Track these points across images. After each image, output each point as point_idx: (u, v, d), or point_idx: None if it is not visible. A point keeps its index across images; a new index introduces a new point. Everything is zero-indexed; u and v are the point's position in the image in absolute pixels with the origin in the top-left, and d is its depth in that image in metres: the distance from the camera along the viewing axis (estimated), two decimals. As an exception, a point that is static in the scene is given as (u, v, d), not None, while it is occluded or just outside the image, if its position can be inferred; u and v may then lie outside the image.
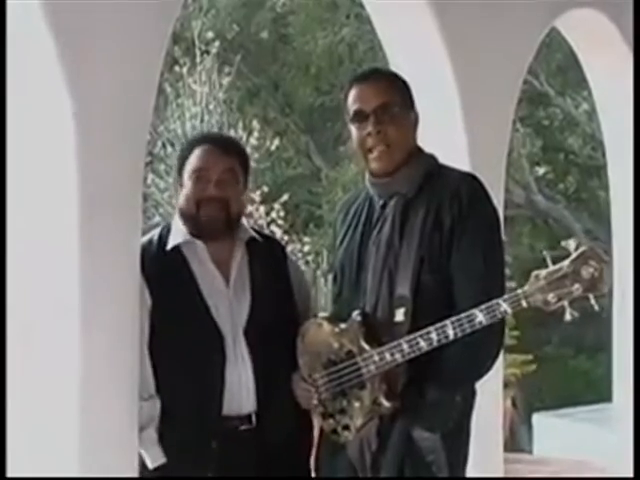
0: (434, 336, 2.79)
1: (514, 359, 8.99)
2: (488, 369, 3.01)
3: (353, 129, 3.07)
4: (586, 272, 2.61)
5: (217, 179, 3.20)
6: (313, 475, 3.28)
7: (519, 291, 2.68)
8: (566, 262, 2.64)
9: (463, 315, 2.74)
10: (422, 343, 2.81)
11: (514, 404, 9.59)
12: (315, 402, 3.08)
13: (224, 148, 3.30)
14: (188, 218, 3.23)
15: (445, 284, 2.86)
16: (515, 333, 8.99)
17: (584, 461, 8.65)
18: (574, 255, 2.64)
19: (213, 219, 3.20)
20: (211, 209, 3.19)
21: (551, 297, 2.65)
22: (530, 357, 9.99)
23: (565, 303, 2.65)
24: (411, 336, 2.84)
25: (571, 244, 2.65)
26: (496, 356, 3.00)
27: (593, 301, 2.63)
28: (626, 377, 6.48)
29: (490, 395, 4.35)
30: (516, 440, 11.61)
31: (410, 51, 4.69)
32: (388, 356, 2.89)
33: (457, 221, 2.88)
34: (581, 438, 11.40)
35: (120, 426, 3.16)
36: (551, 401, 13.69)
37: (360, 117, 3.04)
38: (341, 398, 3.05)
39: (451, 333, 2.76)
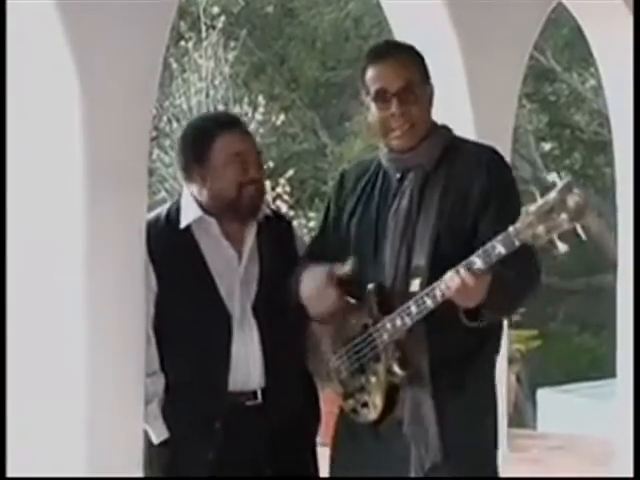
0: (438, 292, 2.78)
1: (519, 335, 8.99)
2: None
3: (374, 108, 3.03)
4: (572, 201, 2.58)
5: (255, 162, 3.22)
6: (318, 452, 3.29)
7: (510, 229, 2.64)
8: (552, 193, 2.62)
9: (461, 265, 2.72)
10: (428, 301, 2.81)
11: (518, 380, 9.59)
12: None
13: (246, 130, 3.35)
14: (224, 203, 3.19)
15: (463, 252, 2.81)
16: (520, 309, 8.98)
17: (584, 435, 8.70)
18: (560, 186, 2.61)
19: (255, 201, 3.21)
20: (254, 191, 3.20)
21: (540, 230, 2.61)
22: (535, 333, 9.99)
23: (554, 236, 2.61)
24: (417, 296, 2.84)
25: (556, 179, 2.63)
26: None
27: (580, 231, 2.59)
28: (629, 354, 6.51)
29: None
30: (520, 415, 11.63)
31: (416, 27, 4.68)
32: (399, 322, 2.90)
33: (484, 190, 2.85)
34: (585, 413, 11.44)
35: (127, 401, 3.18)
36: (555, 377, 13.72)
37: (383, 97, 3.01)
38: (359, 376, 3.05)
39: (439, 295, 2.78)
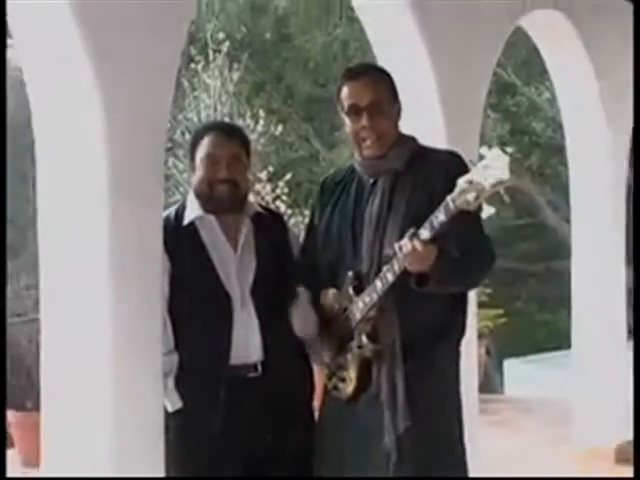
0: (395, 265, 2.80)
1: (487, 313, 8.97)
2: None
3: (347, 121, 3.07)
4: (496, 170, 2.57)
5: (226, 163, 3.20)
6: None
7: (448, 198, 2.65)
8: (479, 165, 2.61)
9: (406, 237, 2.73)
10: (389, 275, 2.84)
11: (487, 352, 9.58)
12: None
13: (229, 135, 3.30)
14: (202, 197, 3.23)
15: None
16: (488, 291, 8.97)
17: (545, 399, 8.71)
18: (486, 158, 2.59)
19: (225, 198, 3.20)
20: (223, 189, 3.19)
21: (471, 197, 2.60)
22: (501, 312, 9.97)
23: (482, 200, 2.60)
24: (380, 274, 2.87)
25: (484, 150, 2.61)
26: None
27: (503, 193, 2.57)
28: (582, 328, 6.52)
29: (466, 344, 4.36)
30: (489, 383, 11.63)
31: (395, 49, 4.68)
32: (367, 298, 2.92)
33: (444, 188, 2.80)
34: (545, 380, 11.44)
35: (148, 376, 3.17)
36: (519, 349, 13.72)
37: (354, 111, 3.03)
38: (340, 355, 3.05)
39: (397, 268, 2.80)
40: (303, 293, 3.14)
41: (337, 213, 3.13)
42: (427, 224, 2.72)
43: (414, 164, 3.03)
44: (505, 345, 13.10)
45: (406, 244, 2.73)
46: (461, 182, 2.63)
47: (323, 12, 16.60)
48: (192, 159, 3.28)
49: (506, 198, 2.57)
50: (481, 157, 2.60)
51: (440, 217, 2.69)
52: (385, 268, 2.86)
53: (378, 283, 2.89)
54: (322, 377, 3.20)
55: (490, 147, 2.60)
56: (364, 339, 2.96)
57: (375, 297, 2.91)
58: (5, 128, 3.04)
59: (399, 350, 2.91)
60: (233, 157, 3.23)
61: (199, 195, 3.24)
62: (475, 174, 2.60)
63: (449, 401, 3.07)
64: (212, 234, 3.22)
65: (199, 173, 3.23)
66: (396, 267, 2.81)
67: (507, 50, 5.52)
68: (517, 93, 17.60)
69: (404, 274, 2.81)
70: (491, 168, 2.57)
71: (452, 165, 2.89)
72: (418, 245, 2.71)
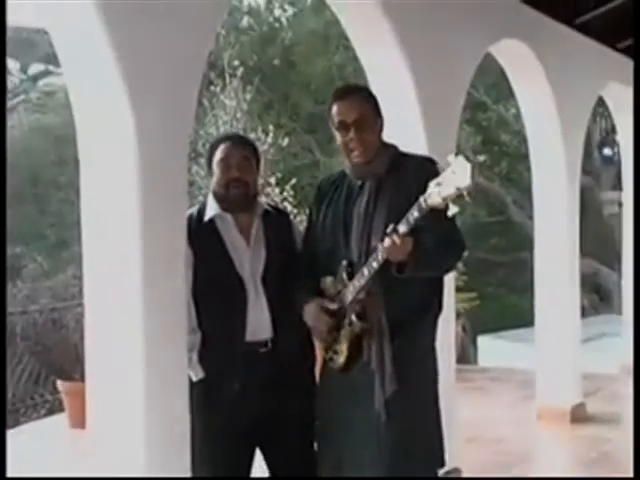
0: (379, 255, 2.80)
1: (463, 296, 8.98)
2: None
3: (337, 135, 3.06)
4: (458, 177, 2.55)
5: (237, 165, 3.20)
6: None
7: (421, 199, 2.64)
8: (446, 171, 2.59)
9: (390, 230, 2.73)
10: (374, 263, 2.84)
11: (464, 329, 9.59)
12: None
13: (239, 143, 3.32)
14: (219, 197, 3.22)
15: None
16: (463, 278, 8.97)
17: (512, 368, 8.71)
18: (451, 165, 2.57)
19: (238, 196, 3.20)
20: (236, 189, 3.19)
21: (439, 197, 2.59)
22: (475, 295, 9.97)
23: (449, 200, 2.59)
24: (367, 262, 2.88)
25: (451, 158, 2.60)
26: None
27: (467, 197, 2.56)
28: (543, 308, 6.52)
29: (445, 323, 4.37)
30: (465, 355, 11.63)
31: (383, 72, 4.66)
32: (357, 283, 2.93)
33: (420, 188, 2.75)
34: (512, 352, 11.45)
35: (175, 351, 3.17)
36: (491, 327, 13.72)
37: (343, 126, 3.03)
38: (335, 332, 3.06)
39: (380, 258, 2.80)
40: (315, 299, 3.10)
41: (331, 210, 3.13)
42: (404, 220, 2.72)
43: (395, 169, 3.02)
44: (479, 323, 13.11)
45: (386, 240, 2.74)
46: (432, 185, 2.62)
47: (322, 42, 16.61)
48: (209, 165, 3.28)
49: (468, 199, 2.57)
50: (449, 164, 2.60)
51: (415, 214, 2.69)
52: (371, 257, 2.87)
53: (365, 270, 2.89)
54: (322, 351, 3.20)
55: (457, 155, 2.59)
56: (354, 317, 2.97)
57: (363, 281, 2.91)
58: (5, 130, 2.99)
59: (386, 326, 2.92)
60: (243, 158, 3.23)
61: (216, 195, 3.23)
62: (443, 178, 2.60)
63: (428, 368, 3.08)
64: (228, 229, 3.21)
65: (216, 176, 3.23)
66: (379, 257, 2.82)
67: (479, 73, 5.51)
68: (488, 110, 17.61)
69: (387, 263, 2.81)
70: (456, 174, 2.56)
71: (426, 169, 2.86)
72: (397, 239, 2.72)
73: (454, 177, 2.55)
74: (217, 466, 3.16)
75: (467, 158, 2.56)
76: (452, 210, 2.59)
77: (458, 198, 2.57)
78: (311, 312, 3.07)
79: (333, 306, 3.03)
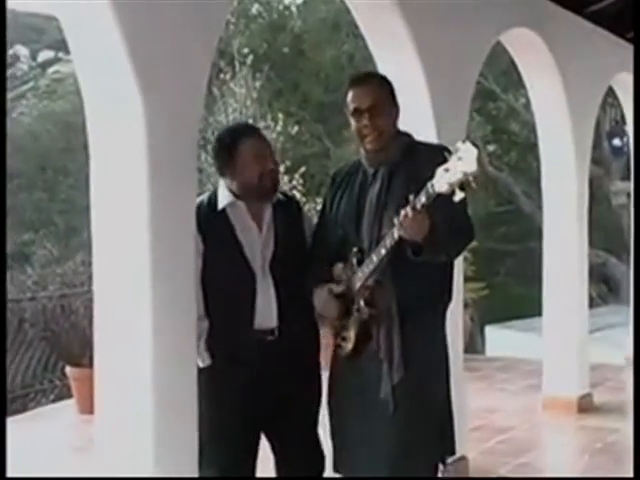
0: (388, 243, 2.82)
1: (471, 286, 8.97)
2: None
3: (352, 120, 3.06)
4: (464, 163, 2.55)
5: (271, 156, 3.24)
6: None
7: (428, 184, 2.65)
8: (452, 158, 2.59)
9: (396, 220, 2.74)
10: (382, 250, 2.86)
11: (472, 319, 9.58)
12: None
13: (264, 137, 3.34)
14: (251, 188, 3.19)
15: None
16: (472, 267, 8.97)
17: (520, 358, 8.71)
18: (457, 152, 2.57)
19: (273, 184, 3.22)
20: (270, 177, 3.20)
21: (446, 183, 2.60)
22: (483, 285, 9.96)
23: (455, 186, 2.59)
24: (375, 250, 2.89)
25: (459, 144, 2.60)
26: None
27: (473, 183, 2.56)
28: (551, 298, 6.51)
29: (453, 313, 4.37)
30: (473, 345, 11.64)
31: (393, 61, 4.65)
32: (365, 269, 2.94)
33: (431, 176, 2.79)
34: (519, 342, 11.46)
35: (183, 338, 3.19)
36: (498, 317, 13.72)
37: (358, 113, 3.03)
38: (344, 319, 3.06)
39: (396, 235, 2.80)
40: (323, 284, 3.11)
41: (345, 198, 3.13)
42: (410, 205, 2.72)
43: (408, 156, 3.02)
44: (486, 313, 13.11)
45: (401, 214, 2.74)
46: (439, 170, 2.63)
47: (332, 31, 16.57)
48: (229, 160, 3.20)
49: (474, 185, 2.57)
50: (456, 150, 2.59)
51: (422, 199, 2.70)
52: (380, 244, 2.88)
53: (374, 256, 2.90)
54: (328, 338, 3.20)
55: (464, 141, 2.58)
56: (362, 304, 2.97)
57: (372, 267, 2.92)
58: (5, 129, 2.99)
59: (395, 314, 2.92)
60: (271, 149, 3.29)
61: (247, 186, 3.18)
62: (450, 164, 2.60)
63: (439, 356, 3.08)
64: (241, 217, 3.21)
65: (248, 167, 3.17)
66: (387, 242, 2.83)
67: (488, 62, 5.50)
68: (497, 99, 17.55)
69: (403, 246, 2.80)
70: (463, 160, 2.56)
71: (440, 158, 2.85)
72: (410, 212, 2.71)
73: (461, 163, 2.56)
74: (224, 452, 3.17)
75: (474, 144, 2.56)
76: (458, 196, 2.60)
77: (465, 184, 2.57)
78: (321, 296, 3.08)
79: (340, 288, 3.03)
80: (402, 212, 2.73)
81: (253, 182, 3.18)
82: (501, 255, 17.36)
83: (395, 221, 2.78)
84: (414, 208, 2.71)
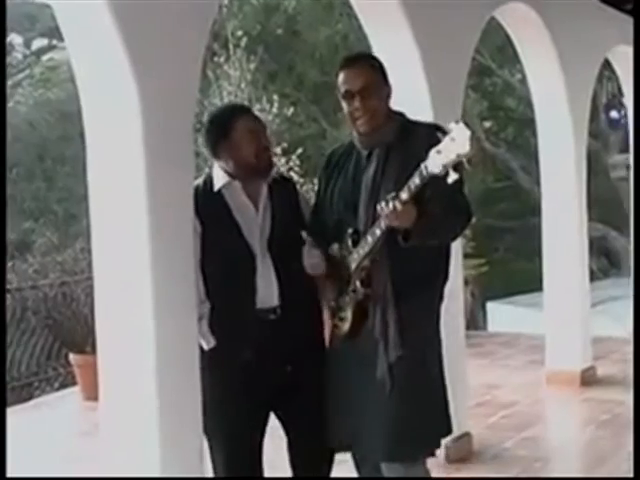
0: (382, 223, 2.81)
1: (471, 263, 8.96)
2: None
3: (344, 103, 3.04)
4: (458, 140, 2.55)
5: (264, 135, 3.24)
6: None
7: (422, 165, 2.64)
8: (446, 139, 2.58)
9: (391, 197, 2.73)
10: (377, 231, 2.85)
11: (472, 295, 9.57)
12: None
13: (253, 114, 3.34)
14: (248, 166, 3.17)
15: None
16: (472, 244, 8.95)
17: (522, 333, 8.72)
18: (450, 133, 2.56)
19: (269, 162, 3.23)
20: (266, 155, 3.21)
21: (439, 164, 2.59)
22: (483, 261, 9.95)
23: (449, 167, 2.57)
24: (370, 230, 2.88)
25: (452, 125, 2.58)
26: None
27: (467, 164, 2.56)
28: (552, 273, 6.52)
29: (454, 290, 4.37)
30: (475, 321, 11.66)
31: (387, 39, 4.63)
32: (361, 250, 2.94)
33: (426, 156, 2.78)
34: (521, 317, 11.48)
35: (184, 321, 3.19)
36: (499, 293, 13.74)
37: (349, 95, 3.01)
38: (341, 299, 3.06)
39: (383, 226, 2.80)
40: (308, 239, 3.15)
41: (340, 180, 3.12)
42: (406, 187, 2.71)
43: (402, 137, 3.00)
44: (487, 289, 13.11)
45: (387, 205, 2.74)
46: (432, 152, 2.61)
47: (326, 10, 16.48)
48: (224, 139, 3.18)
49: (468, 166, 2.56)
50: (449, 131, 2.58)
51: (416, 181, 2.68)
52: (375, 225, 2.87)
53: (369, 237, 2.90)
54: (330, 317, 3.21)
55: (457, 122, 2.57)
56: (358, 284, 2.97)
57: (367, 249, 2.92)
58: (5, 128, 2.99)
59: (391, 293, 2.92)
60: (264, 128, 3.28)
61: (242, 164, 3.17)
62: (443, 145, 2.59)
63: (432, 336, 3.07)
64: (237, 196, 3.20)
65: (243, 146, 3.16)
66: (382, 224, 2.82)
67: (484, 37, 5.47)
68: (493, 75, 17.48)
69: (393, 231, 2.81)
70: (456, 141, 2.55)
71: (433, 137, 2.81)
72: (398, 205, 2.71)
73: (454, 144, 2.55)
74: (230, 433, 3.17)
75: (467, 124, 2.54)
76: (452, 177, 2.58)
77: (458, 165, 2.56)
78: (312, 262, 3.11)
79: (335, 255, 3.04)
80: (389, 204, 2.72)
81: (250, 160, 3.17)
82: (500, 231, 17.36)
83: (379, 209, 2.77)
84: (399, 199, 2.70)
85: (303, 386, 3.18)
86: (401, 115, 3.11)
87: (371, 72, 3.03)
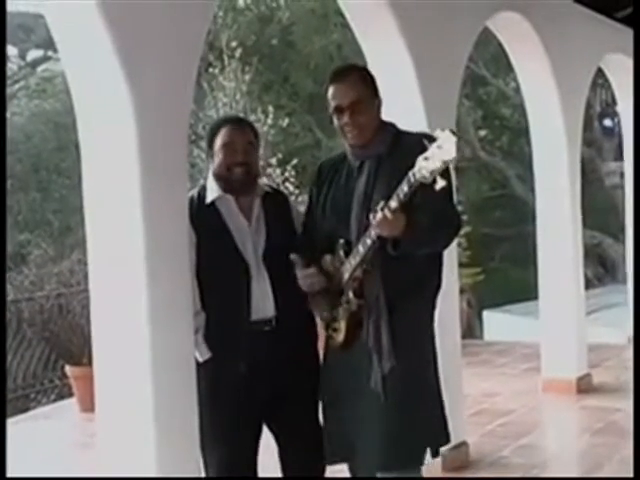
0: (372, 232, 2.81)
1: (467, 272, 8.97)
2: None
3: (334, 117, 3.04)
4: (445, 147, 2.56)
5: (242, 149, 3.19)
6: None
7: (409, 173, 2.64)
8: (432, 147, 2.59)
9: (381, 206, 2.73)
10: (368, 240, 2.85)
11: (469, 304, 9.57)
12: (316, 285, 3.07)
13: (242, 126, 3.30)
14: (222, 179, 3.20)
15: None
16: (468, 253, 8.97)
17: (518, 342, 8.72)
18: (437, 142, 2.57)
19: (240, 179, 3.19)
20: (239, 171, 3.18)
21: (426, 171, 2.59)
22: (479, 270, 9.96)
23: (436, 174, 2.58)
24: (361, 240, 2.88)
25: (438, 132, 2.59)
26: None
27: (452, 169, 2.57)
28: (547, 281, 6.53)
29: (450, 298, 4.38)
30: (471, 330, 11.66)
31: (382, 49, 4.65)
32: (353, 260, 2.94)
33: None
34: (517, 326, 11.47)
35: (180, 333, 3.18)
36: (495, 301, 13.74)
37: (338, 110, 3.01)
38: (334, 310, 3.06)
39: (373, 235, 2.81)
40: (297, 259, 3.13)
41: (332, 191, 3.12)
42: (394, 196, 2.72)
43: (393, 148, 3.00)
44: (483, 298, 13.12)
45: (377, 215, 2.75)
46: (420, 159, 2.62)
47: (320, 21, 16.51)
48: (210, 147, 3.25)
49: (453, 173, 2.58)
50: (435, 138, 2.59)
51: (404, 189, 2.69)
52: (366, 235, 2.87)
53: (360, 247, 2.90)
54: (324, 329, 3.21)
55: (443, 129, 2.58)
56: (350, 295, 2.97)
57: (358, 258, 2.92)
58: (5, 130, 2.99)
59: (383, 303, 2.91)
60: (248, 144, 3.23)
61: (219, 178, 3.21)
62: (429, 153, 2.60)
63: (426, 345, 3.06)
64: (230, 210, 3.21)
65: (218, 159, 3.21)
66: (372, 233, 2.82)
67: (478, 47, 5.49)
68: (487, 84, 17.54)
69: (383, 241, 2.81)
70: (442, 148, 2.56)
71: (420, 146, 2.82)
72: (388, 214, 2.72)
73: (441, 151, 2.56)
74: (225, 445, 3.17)
75: (453, 132, 2.56)
76: (440, 184, 2.60)
77: (445, 172, 2.58)
78: (304, 275, 3.08)
79: (328, 267, 3.03)
80: (379, 214, 2.73)
81: (222, 173, 3.19)
82: (496, 240, 17.37)
83: (372, 220, 2.78)
84: (388, 207, 2.71)
85: (297, 398, 3.18)
86: (392, 126, 3.11)
87: (360, 86, 3.02)
